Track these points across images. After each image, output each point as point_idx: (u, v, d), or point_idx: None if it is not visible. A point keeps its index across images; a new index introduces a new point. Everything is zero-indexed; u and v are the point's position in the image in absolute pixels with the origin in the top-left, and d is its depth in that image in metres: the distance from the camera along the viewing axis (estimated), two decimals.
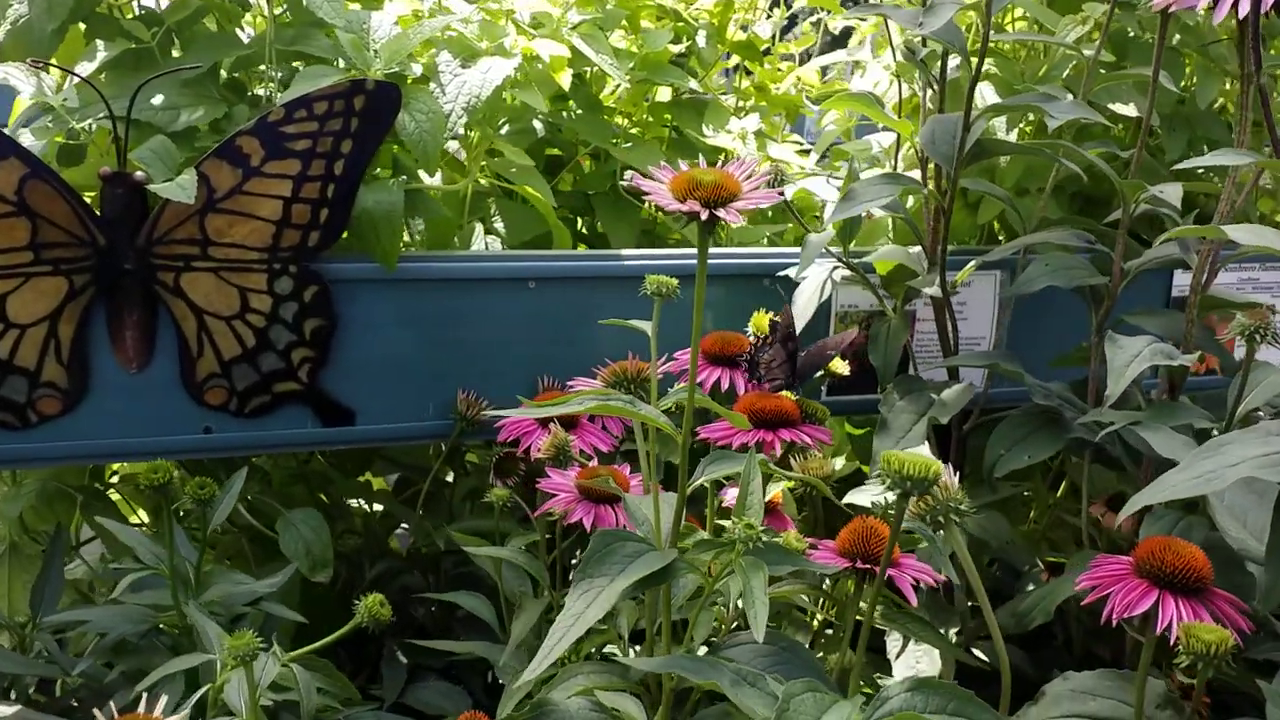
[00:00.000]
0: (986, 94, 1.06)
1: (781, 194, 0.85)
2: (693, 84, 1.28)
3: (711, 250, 1.16)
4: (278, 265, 0.94)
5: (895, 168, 1.17)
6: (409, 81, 0.99)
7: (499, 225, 1.20)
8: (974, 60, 0.88)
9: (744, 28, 1.41)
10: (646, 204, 1.30)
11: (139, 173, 0.89)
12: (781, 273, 1.06)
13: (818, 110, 1.27)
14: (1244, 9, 0.74)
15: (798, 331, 0.96)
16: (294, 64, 1.02)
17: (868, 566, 0.68)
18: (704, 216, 0.53)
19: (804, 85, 1.52)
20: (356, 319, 0.98)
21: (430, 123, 0.94)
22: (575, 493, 0.77)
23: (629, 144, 1.28)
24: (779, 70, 1.50)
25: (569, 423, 0.90)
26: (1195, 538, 0.77)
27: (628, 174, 0.57)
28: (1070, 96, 0.93)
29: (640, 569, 0.59)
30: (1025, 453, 0.87)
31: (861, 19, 1.57)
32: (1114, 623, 0.64)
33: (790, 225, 1.38)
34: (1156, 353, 0.76)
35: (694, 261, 1.07)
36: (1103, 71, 1.08)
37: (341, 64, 0.97)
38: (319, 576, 1.00)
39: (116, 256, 0.90)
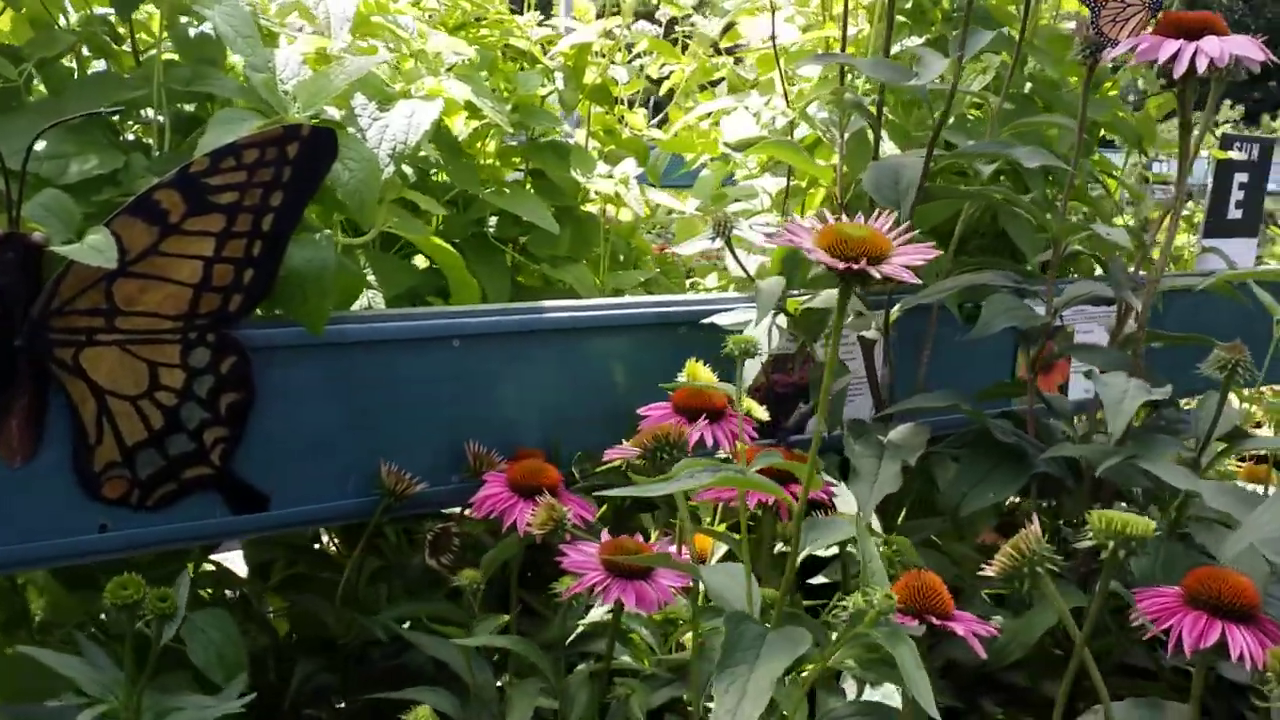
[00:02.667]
0: (885, 145, 1.09)
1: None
2: (567, 127, 1.24)
3: (618, 299, 1.13)
4: (194, 334, 0.82)
5: (786, 212, 1.17)
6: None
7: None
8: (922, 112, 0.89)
9: (597, 70, 1.38)
10: (508, 250, 1.25)
11: (37, 233, 0.75)
12: (707, 319, 1.03)
13: (734, 152, 1.26)
14: (1201, 66, 0.80)
15: (747, 383, 0.94)
16: (181, 106, 0.90)
17: (942, 623, 0.67)
18: (877, 275, 0.50)
19: (636, 130, 1.52)
20: (271, 390, 0.87)
21: (364, 171, 0.86)
22: (602, 569, 0.71)
23: (490, 189, 1.23)
24: (628, 114, 1.49)
25: (533, 491, 0.84)
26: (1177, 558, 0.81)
27: (789, 227, 0.53)
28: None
29: (780, 654, 0.55)
30: (989, 491, 0.89)
31: (684, 66, 1.60)
32: (1187, 655, 0.66)
33: (657, 272, 1.37)
34: (1139, 388, 0.80)
35: (609, 312, 1.05)
36: (974, 112, 1.13)
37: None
38: (235, 686, 0.88)
39: (4, 332, 0.76)
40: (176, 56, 0.90)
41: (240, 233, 0.81)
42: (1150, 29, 0.84)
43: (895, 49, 1.12)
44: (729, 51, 1.66)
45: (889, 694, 0.98)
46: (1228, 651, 0.66)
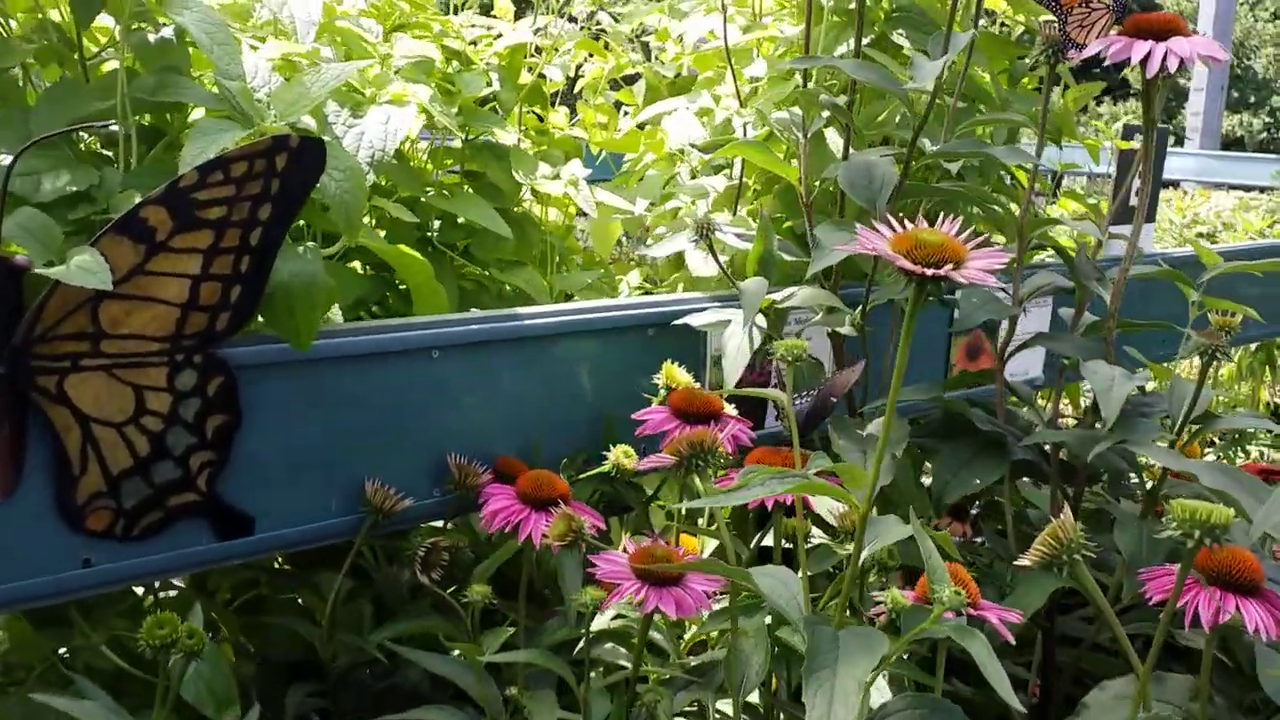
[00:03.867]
0: (835, 141, 1.11)
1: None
2: (509, 129, 1.23)
3: (591, 303, 1.12)
4: (180, 356, 0.79)
5: (735, 209, 1.19)
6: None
7: None
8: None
9: (532, 70, 1.37)
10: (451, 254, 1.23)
11: (19, 255, 0.71)
12: (680, 321, 1.04)
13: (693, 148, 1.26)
14: (1173, 66, 0.84)
15: (732, 384, 0.95)
16: (141, 117, 0.86)
17: (977, 613, 0.70)
18: (963, 280, 0.52)
19: (558, 128, 1.51)
20: (253, 410, 0.84)
21: (350, 181, 0.83)
22: (636, 578, 0.71)
23: (430, 192, 1.20)
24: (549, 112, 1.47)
25: (545, 502, 0.83)
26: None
27: (860, 232, 0.53)
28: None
29: (861, 655, 0.56)
30: (974, 477, 0.92)
31: (604, 64, 1.60)
32: (1206, 630, 0.69)
33: (602, 272, 1.37)
34: (1124, 376, 0.83)
35: (585, 316, 1.04)
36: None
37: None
38: (227, 717, 0.85)
39: None
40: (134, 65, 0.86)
41: (228, 248, 0.78)
42: (1116, 31, 0.88)
43: (841, 49, 1.14)
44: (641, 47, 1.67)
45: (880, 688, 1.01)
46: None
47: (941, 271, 0.52)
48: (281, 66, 0.90)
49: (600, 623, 0.86)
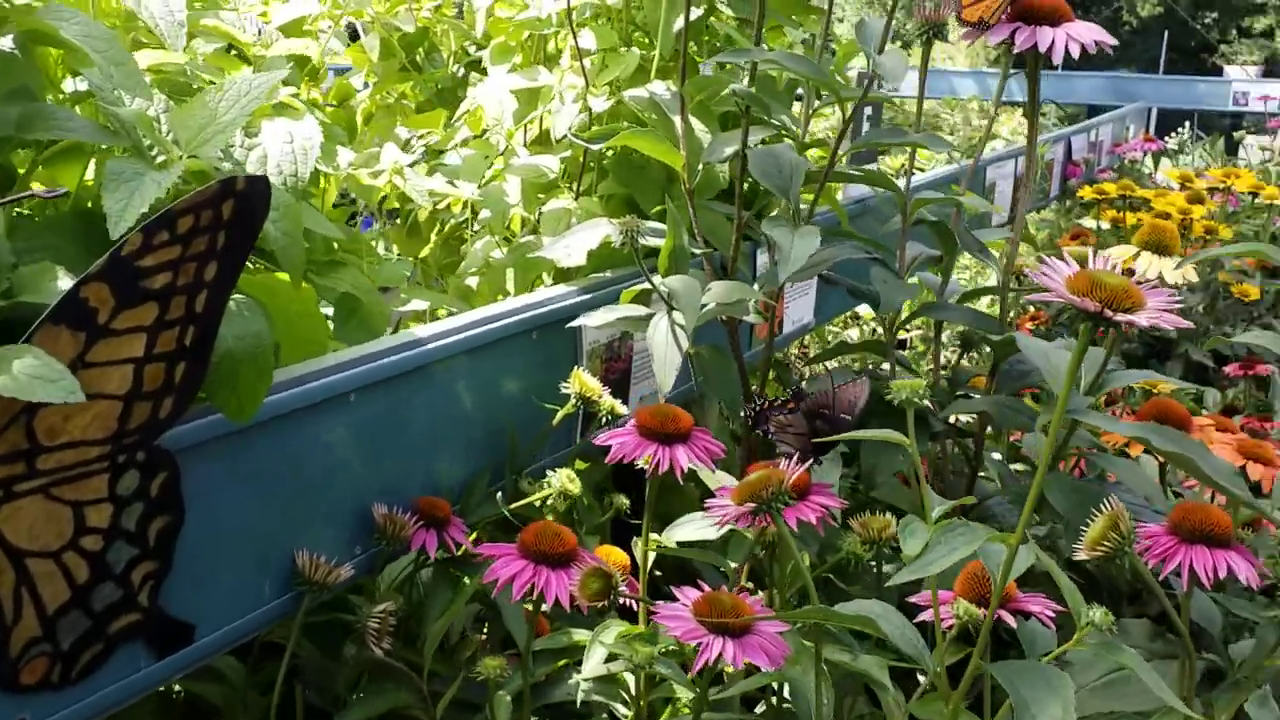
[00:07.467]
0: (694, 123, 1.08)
1: None
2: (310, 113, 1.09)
3: (476, 314, 1.02)
4: (122, 457, 0.64)
5: (578, 193, 1.14)
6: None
7: None
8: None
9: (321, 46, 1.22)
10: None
11: None
12: (573, 323, 0.98)
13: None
14: (1075, 50, 0.88)
15: (668, 390, 0.91)
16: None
17: (1020, 607, 0.72)
18: (1144, 323, 0.52)
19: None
20: (186, 498, 0.71)
21: (287, 221, 0.71)
22: (711, 632, 0.67)
23: None
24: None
25: (560, 559, 0.76)
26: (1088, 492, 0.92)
27: (1036, 278, 0.52)
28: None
29: (1053, 697, 0.56)
30: (898, 454, 0.95)
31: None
32: (1207, 586, 0.76)
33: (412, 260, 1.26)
34: (1054, 347, 0.89)
35: (488, 327, 0.96)
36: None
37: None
38: None
39: None
40: None
41: (173, 320, 0.64)
42: (1006, 15, 0.91)
43: (679, 23, 1.10)
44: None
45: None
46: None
47: (1131, 317, 0.52)
48: (157, 80, 0.74)
49: (592, 669, 0.81)
